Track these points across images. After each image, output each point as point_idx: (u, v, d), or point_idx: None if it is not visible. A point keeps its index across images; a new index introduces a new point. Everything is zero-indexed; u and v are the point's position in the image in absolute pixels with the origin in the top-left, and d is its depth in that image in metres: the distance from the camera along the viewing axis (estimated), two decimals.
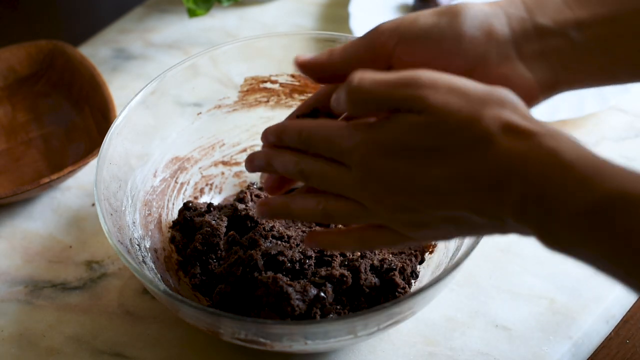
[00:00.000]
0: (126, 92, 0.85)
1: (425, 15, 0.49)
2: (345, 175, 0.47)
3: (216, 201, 0.73)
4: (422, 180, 0.45)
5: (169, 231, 0.69)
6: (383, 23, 0.51)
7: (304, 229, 0.66)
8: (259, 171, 0.55)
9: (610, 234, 0.40)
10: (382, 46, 0.50)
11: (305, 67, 0.53)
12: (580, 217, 0.40)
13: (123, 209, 0.63)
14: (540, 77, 0.48)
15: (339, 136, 0.47)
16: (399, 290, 0.61)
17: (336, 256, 0.62)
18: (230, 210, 0.67)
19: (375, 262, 0.62)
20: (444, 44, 0.48)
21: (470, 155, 0.43)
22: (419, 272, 0.65)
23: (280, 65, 0.73)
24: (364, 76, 0.46)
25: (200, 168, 0.73)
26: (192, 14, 0.89)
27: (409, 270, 0.63)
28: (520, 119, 0.43)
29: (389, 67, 0.50)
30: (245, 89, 0.74)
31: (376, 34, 0.50)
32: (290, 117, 0.56)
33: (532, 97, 0.48)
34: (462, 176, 0.44)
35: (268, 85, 0.74)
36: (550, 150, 0.42)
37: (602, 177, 0.40)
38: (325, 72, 0.53)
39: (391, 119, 0.45)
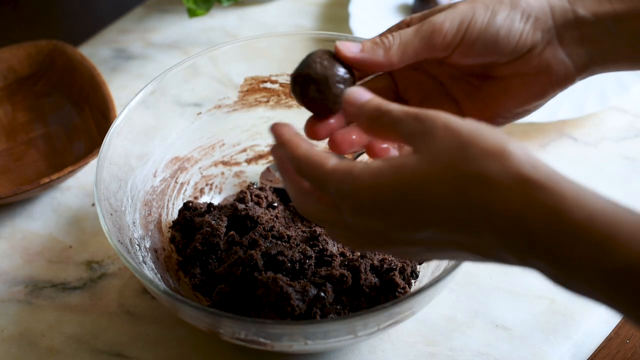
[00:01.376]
0: (126, 92, 0.85)
1: (498, 14, 0.49)
2: (334, 216, 0.46)
3: (216, 201, 0.73)
4: (414, 229, 0.43)
5: (169, 231, 0.69)
6: (438, 20, 0.49)
7: (304, 229, 0.66)
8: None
9: (628, 301, 0.38)
10: (443, 48, 0.50)
11: (356, 62, 0.50)
12: (592, 280, 0.38)
13: (123, 209, 0.63)
14: (578, 61, 0.51)
15: (326, 180, 0.45)
16: (399, 290, 0.61)
17: (336, 256, 0.63)
18: (230, 210, 0.67)
19: (375, 262, 0.62)
20: (501, 42, 0.49)
21: (465, 213, 0.41)
22: (419, 272, 0.65)
23: (280, 65, 0.73)
24: (392, 110, 0.45)
25: (200, 168, 0.73)
26: (192, 14, 0.89)
27: (409, 270, 0.63)
28: (514, 164, 0.41)
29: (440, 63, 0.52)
30: (245, 89, 0.74)
31: (437, 35, 0.49)
32: None
33: (568, 79, 0.51)
34: (456, 229, 0.42)
35: (268, 85, 0.74)
36: (552, 209, 0.39)
37: (615, 244, 0.37)
38: (378, 70, 0.51)
39: (388, 166, 0.43)
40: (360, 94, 0.47)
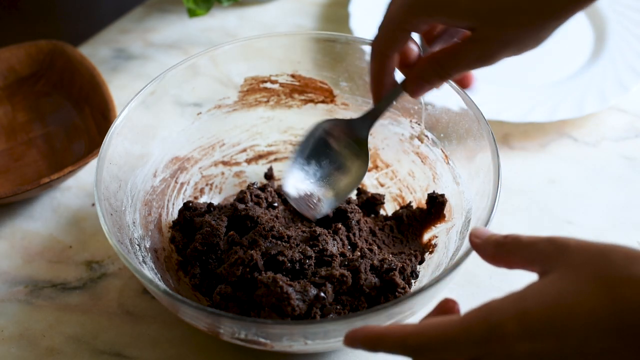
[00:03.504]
0: (126, 92, 0.85)
1: None
2: None
3: (216, 201, 0.73)
4: (569, 348, 0.40)
5: (169, 231, 0.69)
6: None
7: (304, 229, 0.66)
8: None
9: None
10: None
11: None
12: None
13: (123, 209, 0.63)
14: None
15: (461, 335, 0.42)
16: (399, 290, 0.61)
17: (336, 256, 0.62)
18: (230, 210, 0.67)
19: (375, 262, 0.62)
20: None
21: (623, 308, 0.39)
22: (419, 272, 0.65)
23: (280, 65, 0.73)
24: (520, 236, 0.46)
25: (200, 168, 0.73)
26: (192, 14, 0.89)
27: (409, 270, 0.63)
28: None
29: None
30: (245, 89, 0.74)
31: None
32: None
33: None
34: (611, 333, 0.39)
35: (268, 85, 0.74)
36: None
37: None
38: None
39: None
40: (484, 230, 0.49)
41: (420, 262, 0.65)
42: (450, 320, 0.43)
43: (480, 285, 0.67)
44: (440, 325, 0.43)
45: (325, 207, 0.64)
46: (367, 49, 0.70)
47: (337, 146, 0.63)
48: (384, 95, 0.59)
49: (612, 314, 0.39)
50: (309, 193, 0.64)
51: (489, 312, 0.42)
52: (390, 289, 0.61)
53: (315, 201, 0.64)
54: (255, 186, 0.72)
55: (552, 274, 0.42)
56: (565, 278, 0.41)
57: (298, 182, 0.63)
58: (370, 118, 0.61)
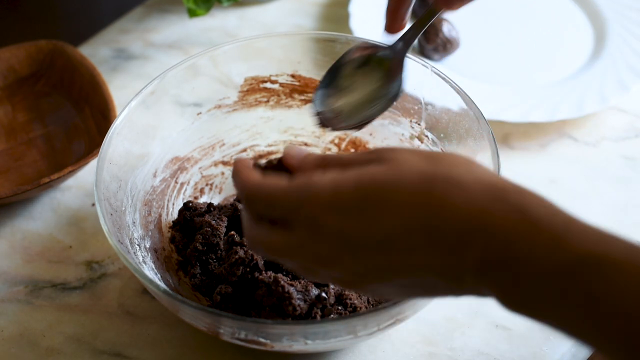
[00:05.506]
0: (126, 92, 0.85)
1: None
2: (288, 238, 0.43)
3: (216, 201, 0.73)
4: (374, 235, 0.41)
5: (169, 231, 0.69)
6: None
7: None
8: None
9: (581, 298, 0.37)
10: None
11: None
12: (549, 278, 0.37)
13: (123, 209, 0.63)
14: None
15: (281, 195, 0.43)
16: None
17: None
18: (230, 210, 0.67)
19: None
20: None
21: (429, 208, 0.40)
22: None
23: (280, 65, 0.73)
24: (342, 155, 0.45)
25: (200, 168, 0.73)
26: (192, 14, 0.89)
27: None
28: (484, 173, 0.41)
29: None
30: (245, 89, 0.74)
31: None
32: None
33: None
34: (418, 230, 0.40)
35: (268, 85, 0.74)
36: (516, 206, 0.39)
37: (573, 237, 0.38)
38: None
39: (347, 169, 0.42)
40: (299, 148, 0.48)
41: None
42: (285, 180, 0.43)
43: None
44: (275, 183, 0.43)
45: (348, 119, 0.60)
46: None
47: (367, 67, 0.60)
48: (414, 19, 0.57)
49: (425, 214, 0.40)
50: (333, 107, 0.60)
51: (312, 181, 0.42)
52: None
53: (338, 113, 0.60)
54: None
55: (380, 163, 0.42)
56: (390, 167, 0.41)
57: (324, 97, 0.60)
58: (404, 43, 0.59)
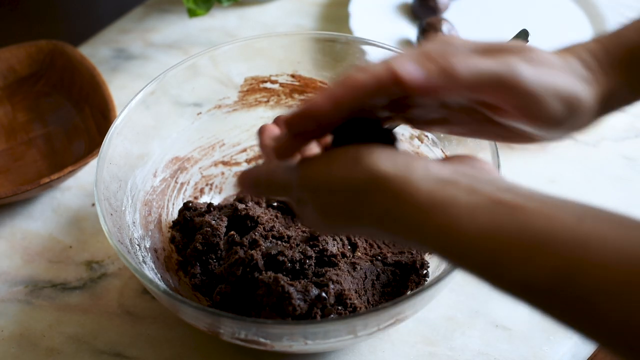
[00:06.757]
0: (126, 92, 0.85)
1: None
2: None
3: (216, 201, 0.73)
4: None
5: (169, 231, 0.69)
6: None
7: (304, 229, 0.66)
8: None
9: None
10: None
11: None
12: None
13: (123, 209, 0.63)
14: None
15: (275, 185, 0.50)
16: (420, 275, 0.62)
17: (337, 256, 0.62)
18: (230, 210, 0.67)
19: (389, 260, 0.63)
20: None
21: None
22: (428, 264, 0.65)
23: (280, 65, 0.73)
24: None
25: (200, 168, 0.73)
26: (192, 14, 0.89)
27: (418, 263, 0.64)
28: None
29: None
30: (245, 89, 0.74)
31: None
32: None
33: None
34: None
35: (268, 85, 0.74)
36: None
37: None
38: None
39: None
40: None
41: (421, 264, 0.65)
42: (282, 166, 0.49)
43: (480, 285, 0.67)
44: (276, 170, 0.49)
45: None
46: (368, 49, 0.71)
47: None
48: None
49: (355, 186, 0.44)
50: None
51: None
52: (413, 271, 0.63)
53: None
54: None
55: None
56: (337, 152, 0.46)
57: None
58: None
